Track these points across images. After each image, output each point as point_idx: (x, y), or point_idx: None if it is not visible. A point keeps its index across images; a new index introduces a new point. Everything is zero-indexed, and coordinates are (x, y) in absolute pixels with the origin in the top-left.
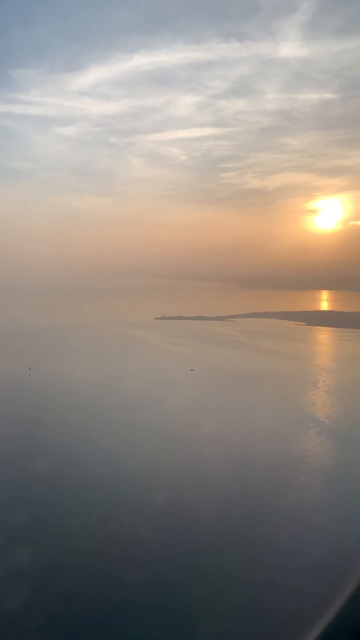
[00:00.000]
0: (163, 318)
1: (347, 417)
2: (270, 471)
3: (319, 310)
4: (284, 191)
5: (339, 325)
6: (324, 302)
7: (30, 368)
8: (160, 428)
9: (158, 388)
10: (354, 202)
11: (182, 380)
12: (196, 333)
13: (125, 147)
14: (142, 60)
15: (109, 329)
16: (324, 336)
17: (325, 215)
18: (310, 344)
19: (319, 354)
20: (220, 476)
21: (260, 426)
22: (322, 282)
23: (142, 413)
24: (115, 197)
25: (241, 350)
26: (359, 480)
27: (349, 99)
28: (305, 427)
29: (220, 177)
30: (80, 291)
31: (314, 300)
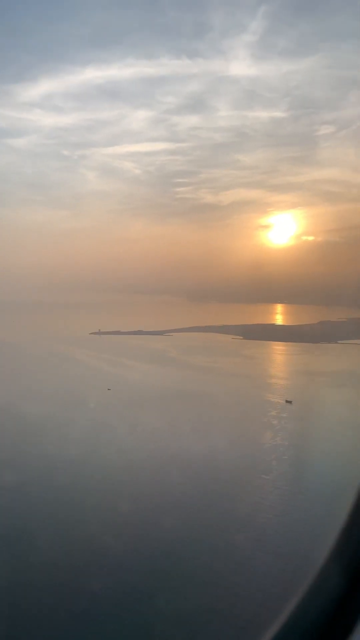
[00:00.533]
0: (99, 333)
1: (239, 430)
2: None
3: (259, 324)
4: (238, 207)
5: (275, 339)
6: (272, 315)
7: None
8: (44, 456)
9: (63, 409)
10: (305, 218)
11: (94, 401)
12: (128, 349)
13: (78, 160)
14: (94, 74)
15: (36, 344)
16: (255, 350)
17: (278, 231)
18: (239, 358)
19: (243, 367)
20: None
21: (156, 448)
22: (275, 296)
23: (30, 438)
24: (70, 210)
25: (168, 366)
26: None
27: (298, 118)
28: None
29: (175, 192)
30: (24, 304)
31: (262, 313)
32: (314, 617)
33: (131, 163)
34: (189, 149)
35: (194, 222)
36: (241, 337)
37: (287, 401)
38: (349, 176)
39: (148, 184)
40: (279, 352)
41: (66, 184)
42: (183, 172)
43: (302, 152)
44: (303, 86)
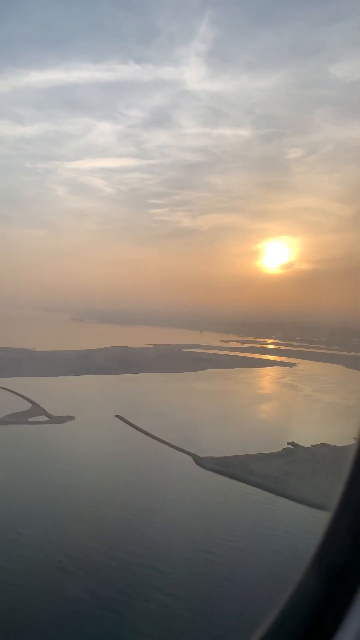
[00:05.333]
0: None
1: None
2: None
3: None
4: (218, 232)
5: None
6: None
7: None
8: None
9: None
10: (290, 247)
11: None
12: None
13: (43, 174)
14: (39, 77)
15: None
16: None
17: (264, 259)
18: None
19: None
20: None
21: None
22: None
23: None
24: (48, 229)
25: None
26: None
27: (265, 139)
28: None
29: (151, 213)
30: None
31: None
32: (299, 618)
33: (101, 180)
34: (160, 167)
35: (176, 247)
36: None
37: None
38: (326, 205)
39: (123, 204)
40: None
41: (38, 200)
42: (157, 193)
43: (275, 178)
44: (264, 104)
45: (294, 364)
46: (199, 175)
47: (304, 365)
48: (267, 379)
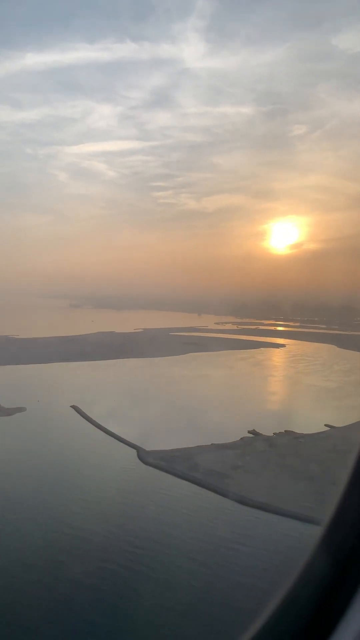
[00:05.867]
0: None
1: None
2: None
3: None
4: (224, 213)
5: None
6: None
7: None
8: None
9: None
10: (298, 226)
11: None
12: None
13: (45, 159)
14: (35, 59)
15: None
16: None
17: (272, 239)
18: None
19: None
20: None
21: None
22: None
23: None
24: (54, 215)
25: None
26: None
27: (268, 116)
28: None
29: (155, 196)
30: None
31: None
32: (307, 599)
33: (103, 164)
34: (162, 149)
35: (182, 230)
36: None
37: None
38: (333, 182)
39: (126, 188)
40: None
41: (41, 186)
42: (160, 176)
43: (280, 156)
44: (266, 80)
45: (284, 345)
46: (202, 156)
47: (294, 346)
48: (248, 361)
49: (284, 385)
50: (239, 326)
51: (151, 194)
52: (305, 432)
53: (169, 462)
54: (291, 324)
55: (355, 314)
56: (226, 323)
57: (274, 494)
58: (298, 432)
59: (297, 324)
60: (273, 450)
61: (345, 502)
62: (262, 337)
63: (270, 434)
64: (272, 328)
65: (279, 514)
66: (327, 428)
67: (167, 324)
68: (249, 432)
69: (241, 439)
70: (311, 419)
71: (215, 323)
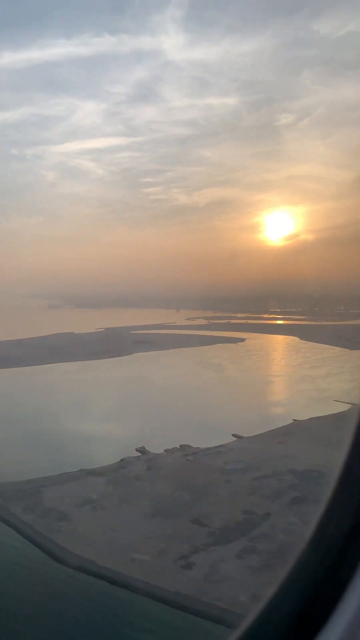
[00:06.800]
0: None
1: None
2: None
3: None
4: (216, 207)
5: None
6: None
7: None
8: None
9: None
10: (292, 217)
11: None
12: None
13: (33, 160)
14: (12, 57)
15: None
16: None
17: (264, 232)
18: None
19: None
20: None
21: None
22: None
23: None
24: (45, 216)
25: None
26: None
27: (253, 106)
28: None
29: (146, 192)
30: None
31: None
32: (298, 594)
33: (91, 162)
34: (150, 144)
35: (175, 226)
36: None
37: None
38: (323, 171)
39: (116, 185)
40: None
41: (31, 187)
42: (149, 171)
43: (268, 147)
44: (249, 69)
45: (244, 339)
46: (190, 149)
47: (254, 340)
48: (191, 361)
49: (210, 389)
50: (210, 321)
51: (142, 190)
52: (204, 446)
53: (6, 500)
54: (266, 316)
55: (338, 304)
56: (198, 318)
57: (106, 542)
58: (195, 446)
59: (273, 316)
60: (149, 475)
61: (337, 495)
62: (226, 332)
63: (161, 450)
64: (244, 322)
65: (96, 575)
66: (234, 439)
67: (135, 321)
68: (137, 449)
69: (121, 460)
70: (220, 428)
71: (187, 319)
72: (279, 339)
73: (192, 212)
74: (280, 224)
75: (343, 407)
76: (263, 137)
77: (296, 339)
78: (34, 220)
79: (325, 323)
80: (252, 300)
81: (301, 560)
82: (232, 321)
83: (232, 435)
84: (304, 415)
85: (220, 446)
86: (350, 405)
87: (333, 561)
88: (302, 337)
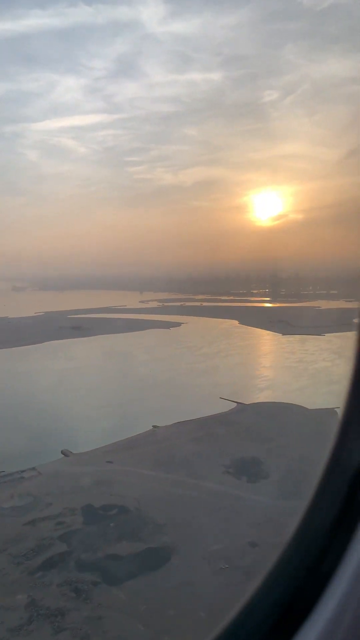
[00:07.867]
0: None
1: None
2: None
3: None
4: (202, 187)
5: None
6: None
7: None
8: None
9: None
10: (279, 197)
11: None
12: None
13: (11, 138)
14: None
15: None
16: None
17: (252, 213)
18: None
19: None
20: None
21: None
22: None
23: None
24: (28, 196)
25: None
26: None
27: (236, 82)
28: None
29: (131, 171)
30: None
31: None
32: (279, 592)
33: (72, 140)
34: (133, 121)
35: (161, 206)
36: None
37: None
38: (310, 150)
39: (100, 164)
40: None
41: (12, 167)
42: (133, 150)
43: (253, 125)
44: (232, 43)
45: (180, 324)
46: (174, 127)
47: (192, 324)
48: (103, 350)
49: (83, 388)
50: (164, 304)
51: (126, 169)
52: (12, 469)
53: None
54: (225, 298)
55: (308, 285)
56: (152, 300)
57: None
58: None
59: (232, 298)
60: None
61: (320, 496)
62: (169, 317)
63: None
64: (198, 304)
65: None
66: (61, 457)
67: (84, 305)
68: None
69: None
70: (50, 443)
71: (140, 301)
72: (217, 323)
73: (177, 192)
74: (267, 204)
75: (226, 407)
76: (247, 114)
77: (235, 322)
78: (17, 200)
79: (276, 305)
80: (224, 282)
81: (284, 553)
82: (187, 304)
83: (61, 452)
84: (172, 418)
85: (29, 469)
86: (236, 404)
87: (316, 555)
88: (241, 321)
